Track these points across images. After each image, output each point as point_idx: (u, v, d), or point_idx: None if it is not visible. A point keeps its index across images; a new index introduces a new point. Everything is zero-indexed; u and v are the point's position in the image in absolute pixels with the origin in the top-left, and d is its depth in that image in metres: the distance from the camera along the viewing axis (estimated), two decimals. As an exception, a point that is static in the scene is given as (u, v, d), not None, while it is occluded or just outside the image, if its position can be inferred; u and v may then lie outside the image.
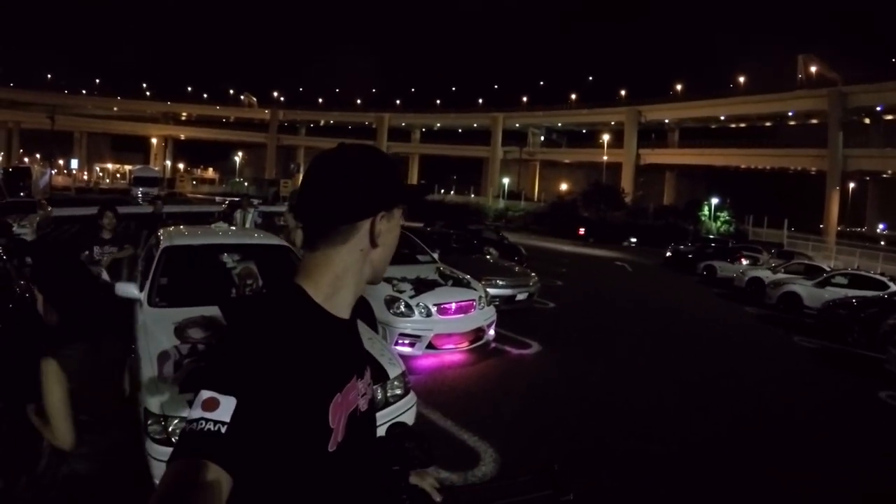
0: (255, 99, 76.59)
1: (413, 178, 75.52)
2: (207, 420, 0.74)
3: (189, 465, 0.72)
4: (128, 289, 4.31)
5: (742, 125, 53.68)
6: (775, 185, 51.58)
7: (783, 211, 35.00)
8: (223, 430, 0.74)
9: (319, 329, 0.90)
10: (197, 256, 4.97)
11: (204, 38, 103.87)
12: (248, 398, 0.76)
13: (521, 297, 9.06)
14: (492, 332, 6.99)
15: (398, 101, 73.72)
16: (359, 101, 77.40)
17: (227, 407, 0.75)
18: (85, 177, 68.02)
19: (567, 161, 66.03)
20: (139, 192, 37.76)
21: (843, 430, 5.58)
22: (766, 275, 15.44)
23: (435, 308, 6.31)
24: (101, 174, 73.55)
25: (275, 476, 0.80)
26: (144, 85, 77.49)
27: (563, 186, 58.28)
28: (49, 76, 72.89)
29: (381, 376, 3.66)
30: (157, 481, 2.78)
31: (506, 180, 57.17)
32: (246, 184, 65.13)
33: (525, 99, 66.38)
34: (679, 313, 11.55)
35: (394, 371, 3.78)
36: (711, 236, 30.16)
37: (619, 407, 5.61)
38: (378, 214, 0.94)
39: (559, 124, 64.32)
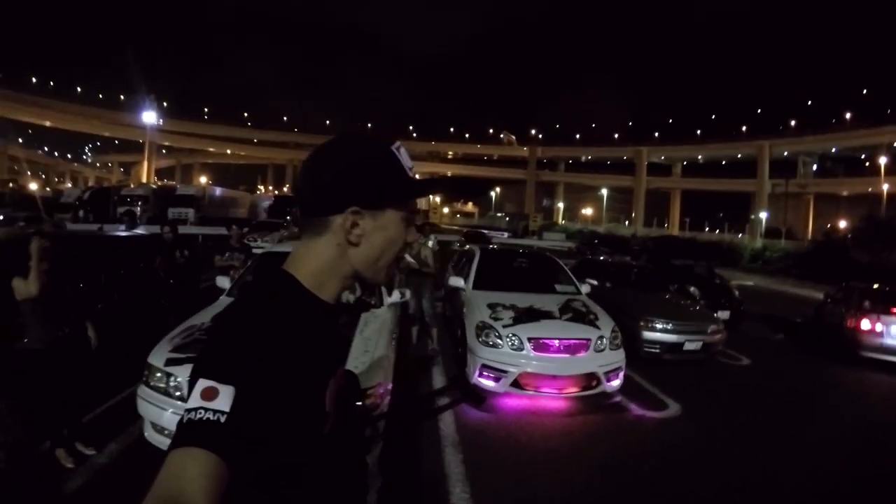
0: (513, 137, 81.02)
1: (675, 215, 70.13)
2: (206, 409, 0.73)
3: (187, 455, 0.71)
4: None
5: None
6: None
7: None
8: (222, 419, 0.73)
9: (312, 315, 0.88)
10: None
11: (464, 82, 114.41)
12: (247, 387, 0.75)
13: (691, 346, 7.28)
14: (615, 382, 5.66)
15: (656, 134, 69.91)
16: (616, 136, 75.83)
17: (226, 396, 0.74)
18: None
19: (845, 193, 54.09)
20: None
21: None
22: None
23: (530, 342, 5.41)
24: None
25: (272, 462, 0.79)
26: (411, 127, 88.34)
27: (843, 224, 47.18)
28: (327, 122, 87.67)
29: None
30: (140, 410, 3.35)
31: (763, 215, 48.84)
32: (507, 218, 69.27)
33: (793, 123, 56.99)
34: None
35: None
36: None
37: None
38: (348, 210, 0.87)
39: (833, 150, 53.63)
